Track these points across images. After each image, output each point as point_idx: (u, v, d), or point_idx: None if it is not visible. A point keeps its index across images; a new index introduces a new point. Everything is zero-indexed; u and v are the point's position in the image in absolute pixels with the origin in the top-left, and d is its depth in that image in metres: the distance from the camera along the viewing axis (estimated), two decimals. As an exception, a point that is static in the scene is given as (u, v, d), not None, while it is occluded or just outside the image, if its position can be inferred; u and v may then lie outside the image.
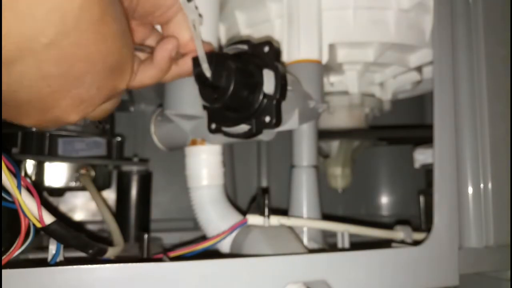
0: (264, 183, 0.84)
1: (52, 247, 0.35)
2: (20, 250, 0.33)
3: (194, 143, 0.50)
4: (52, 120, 0.27)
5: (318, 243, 0.47)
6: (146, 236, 0.40)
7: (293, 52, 0.49)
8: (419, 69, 0.60)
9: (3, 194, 0.32)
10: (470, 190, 0.45)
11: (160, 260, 0.38)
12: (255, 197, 0.83)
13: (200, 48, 0.33)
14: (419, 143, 0.58)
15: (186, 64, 0.34)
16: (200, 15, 0.33)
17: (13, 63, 0.22)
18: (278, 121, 0.37)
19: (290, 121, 0.43)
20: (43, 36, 0.21)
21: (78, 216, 0.73)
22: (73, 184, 0.59)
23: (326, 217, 0.49)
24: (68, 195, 0.72)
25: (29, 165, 0.57)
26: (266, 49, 0.37)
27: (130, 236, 0.63)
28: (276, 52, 0.38)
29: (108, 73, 0.27)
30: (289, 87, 0.38)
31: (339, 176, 0.67)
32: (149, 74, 0.32)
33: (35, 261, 0.47)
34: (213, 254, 0.45)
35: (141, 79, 0.31)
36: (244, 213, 0.47)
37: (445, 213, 0.43)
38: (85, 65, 0.24)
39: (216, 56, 0.34)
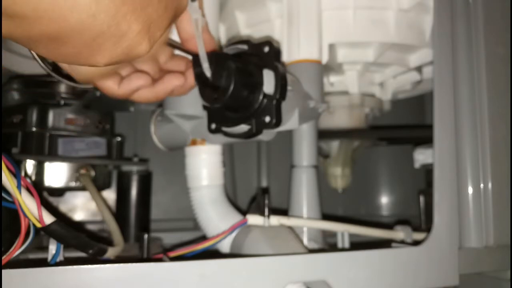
0: (264, 183, 0.84)
1: (52, 247, 0.35)
2: (20, 250, 0.33)
3: (194, 143, 0.50)
4: (124, 53, 0.26)
5: (318, 243, 0.47)
6: (146, 236, 0.40)
7: (293, 52, 0.49)
8: (419, 69, 0.60)
9: (3, 194, 0.32)
10: (470, 190, 0.45)
11: (160, 260, 0.38)
12: (255, 197, 0.83)
13: (202, 48, 0.33)
14: (419, 143, 0.58)
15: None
16: (203, 15, 0.33)
17: None
18: (278, 121, 0.37)
19: (290, 121, 0.43)
20: None
21: (78, 216, 0.73)
22: (73, 184, 0.59)
23: (326, 217, 0.49)
24: (68, 195, 0.72)
25: (29, 165, 0.57)
26: (266, 49, 0.37)
27: (130, 236, 0.63)
28: (276, 52, 0.38)
29: None
30: (289, 87, 0.38)
31: (339, 176, 0.67)
32: (144, 95, 0.34)
33: (35, 261, 0.47)
34: (213, 254, 0.45)
35: (135, 97, 0.35)
36: (244, 213, 0.47)
37: (445, 213, 0.43)
38: None
39: (216, 56, 0.34)
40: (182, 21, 0.33)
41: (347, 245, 0.45)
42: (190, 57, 0.36)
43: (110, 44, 0.24)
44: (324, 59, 0.49)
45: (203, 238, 0.48)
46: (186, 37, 0.34)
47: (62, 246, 0.35)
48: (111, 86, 0.32)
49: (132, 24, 0.24)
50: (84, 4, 0.22)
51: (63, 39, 0.23)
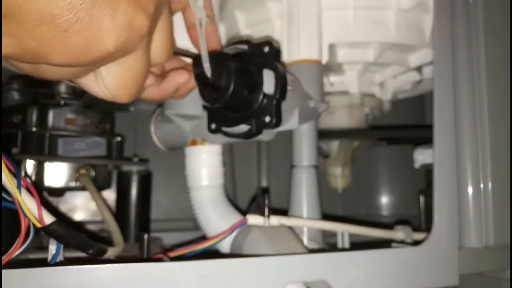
0: (264, 183, 0.84)
1: (52, 247, 0.35)
2: (20, 250, 0.33)
3: (194, 143, 0.50)
4: (127, 26, 0.25)
5: (318, 243, 0.47)
6: (146, 236, 0.40)
7: (293, 52, 0.49)
8: (419, 69, 0.60)
9: (3, 194, 0.32)
10: (470, 190, 0.45)
11: (160, 260, 0.38)
12: (255, 197, 0.83)
13: (204, 47, 0.33)
14: (419, 143, 0.58)
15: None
16: (208, 15, 0.33)
17: None
18: (278, 121, 0.37)
19: (290, 121, 0.43)
20: None
21: (78, 216, 0.73)
22: (73, 184, 0.59)
23: (326, 217, 0.49)
24: (68, 195, 0.72)
25: (29, 165, 0.57)
26: (266, 49, 0.37)
27: (130, 236, 0.63)
28: (276, 52, 0.38)
29: None
30: (289, 87, 0.38)
31: (339, 176, 0.67)
32: (150, 94, 0.34)
33: (35, 261, 0.47)
34: (213, 254, 0.45)
35: (143, 95, 0.34)
36: (244, 213, 0.47)
37: (445, 213, 0.43)
38: None
39: (216, 56, 0.34)
40: (189, 9, 0.33)
41: (347, 245, 0.45)
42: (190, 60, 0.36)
43: (108, 20, 0.24)
44: (324, 59, 0.49)
45: (203, 238, 0.48)
46: (191, 25, 0.34)
47: (62, 246, 0.35)
48: None
49: None
50: None
51: (63, 23, 0.23)
